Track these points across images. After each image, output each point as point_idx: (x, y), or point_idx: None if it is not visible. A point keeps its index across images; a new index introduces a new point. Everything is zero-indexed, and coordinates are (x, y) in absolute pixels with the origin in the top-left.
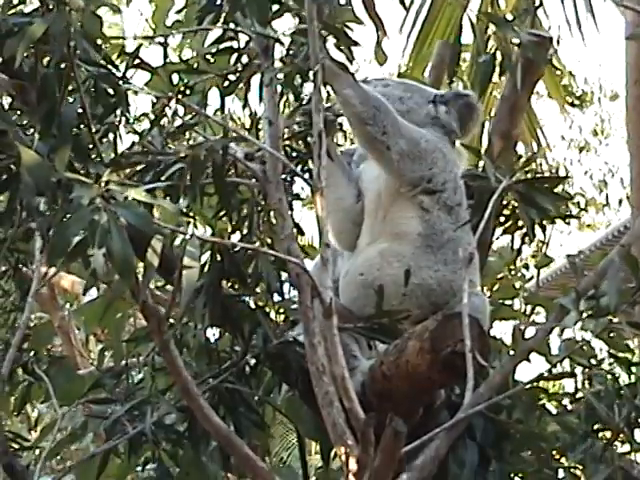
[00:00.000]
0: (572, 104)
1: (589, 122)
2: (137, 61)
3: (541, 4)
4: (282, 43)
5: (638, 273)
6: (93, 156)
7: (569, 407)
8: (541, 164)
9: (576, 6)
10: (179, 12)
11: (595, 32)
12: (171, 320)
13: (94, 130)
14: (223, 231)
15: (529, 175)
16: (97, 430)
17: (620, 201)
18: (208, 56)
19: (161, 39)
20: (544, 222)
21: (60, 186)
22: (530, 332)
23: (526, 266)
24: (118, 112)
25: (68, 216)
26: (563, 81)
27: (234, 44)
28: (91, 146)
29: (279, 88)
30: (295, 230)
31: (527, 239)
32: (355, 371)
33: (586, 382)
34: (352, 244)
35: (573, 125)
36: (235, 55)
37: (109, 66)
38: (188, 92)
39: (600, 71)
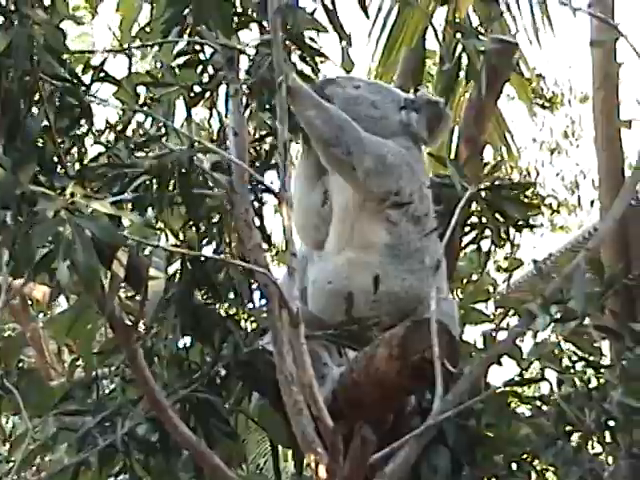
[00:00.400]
0: (542, 106)
1: (560, 124)
2: (102, 74)
3: (502, 13)
4: (247, 54)
5: (604, 277)
6: (58, 169)
7: (543, 409)
8: (512, 168)
9: (533, 12)
10: (145, 27)
11: (557, 35)
12: (141, 330)
13: (59, 143)
14: (193, 240)
15: (497, 181)
16: (69, 441)
17: (592, 202)
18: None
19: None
20: (510, 229)
21: (25, 199)
22: (501, 336)
23: (499, 268)
24: (84, 124)
25: (33, 228)
26: (533, 84)
27: (200, 55)
28: (56, 159)
29: (244, 99)
30: (264, 239)
31: (494, 246)
32: (326, 378)
33: (556, 385)
34: (317, 240)
35: (544, 127)
36: (201, 67)
37: (73, 81)
38: (154, 103)
39: (570, 73)
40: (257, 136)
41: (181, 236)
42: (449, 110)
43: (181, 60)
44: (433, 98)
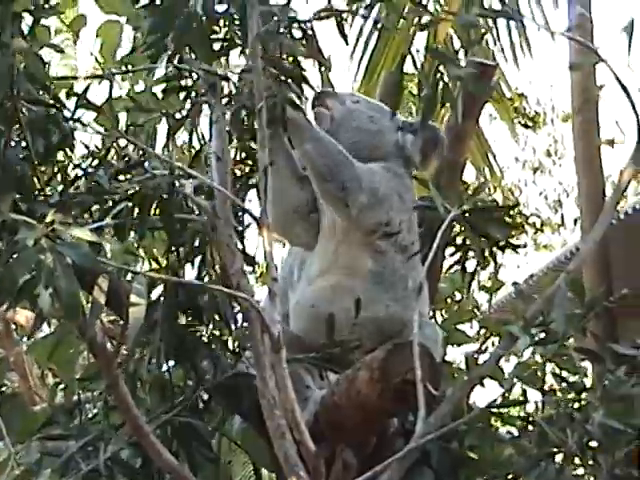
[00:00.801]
0: (525, 125)
1: (542, 143)
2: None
3: (482, 37)
4: (228, 80)
5: (584, 299)
6: (39, 196)
7: (527, 428)
8: (495, 188)
9: (510, 34)
10: (127, 56)
11: (537, 55)
12: (123, 355)
13: (40, 170)
14: (175, 265)
15: (480, 202)
16: (53, 466)
17: (575, 221)
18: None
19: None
20: (494, 250)
21: (5, 227)
22: (484, 357)
23: (482, 288)
24: (64, 151)
25: (14, 257)
26: (515, 103)
27: (184, 80)
28: (37, 186)
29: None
30: (247, 262)
31: (478, 268)
32: (308, 401)
33: (539, 405)
34: (302, 238)
35: (526, 146)
36: (184, 92)
37: (56, 105)
38: (136, 128)
39: (552, 92)
40: (238, 159)
41: (163, 261)
42: (444, 136)
43: (163, 85)
44: (431, 123)
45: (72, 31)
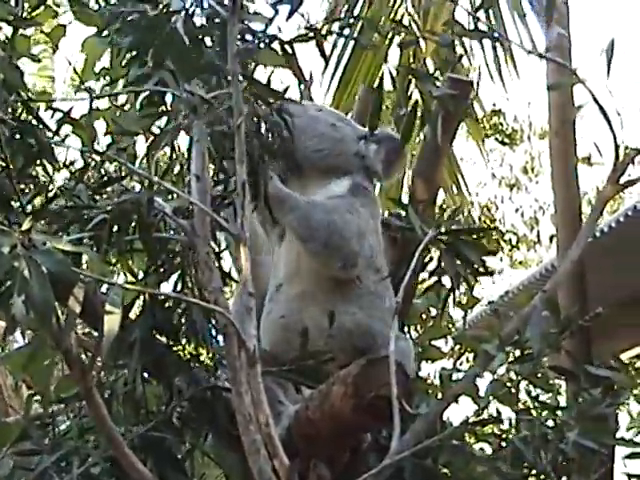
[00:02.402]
0: (502, 142)
1: (519, 160)
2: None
3: (461, 57)
4: (208, 101)
5: (559, 319)
6: (15, 206)
7: (501, 446)
8: (468, 206)
9: (497, 55)
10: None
11: (517, 74)
12: (98, 366)
13: (17, 181)
14: (153, 281)
15: (456, 224)
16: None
17: (551, 238)
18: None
19: (89, 88)
20: (469, 275)
21: None
22: (458, 374)
23: (457, 305)
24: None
25: None
26: (492, 120)
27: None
28: (13, 196)
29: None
30: (223, 279)
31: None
32: (281, 416)
33: (514, 424)
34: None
35: (503, 163)
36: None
37: (32, 122)
38: (114, 145)
39: (530, 109)
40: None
41: (140, 274)
42: (406, 147)
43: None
44: (393, 133)
45: (51, 41)
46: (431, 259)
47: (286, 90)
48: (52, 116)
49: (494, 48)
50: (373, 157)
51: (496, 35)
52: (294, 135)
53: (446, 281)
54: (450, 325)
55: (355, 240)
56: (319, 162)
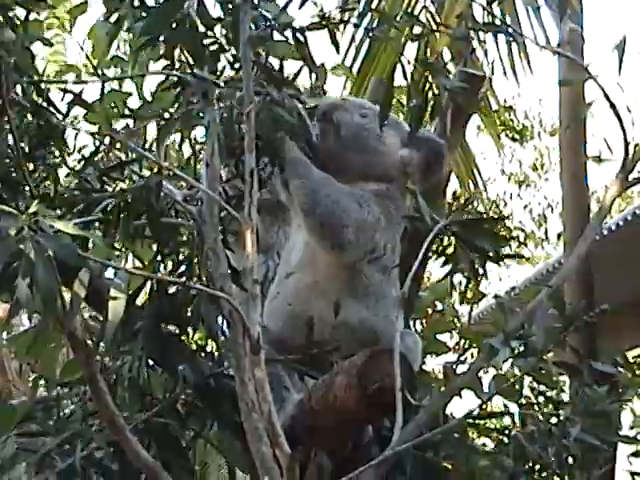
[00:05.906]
0: (512, 138)
1: (529, 156)
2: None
3: (474, 50)
4: (219, 86)
5: (564, 314)
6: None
7: (502, 441)
8: (481, 200)
9: (511, 49)
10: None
11: (529, 70)
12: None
13: (26, 164)
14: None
15: (467, 214)
16: (28, 461)
17: (559, 235)
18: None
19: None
20: (485, 263)
21: None
22: (462, 368)
23: (463, 300)
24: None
25: None
26: (503, 116)
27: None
28: (22, 179)
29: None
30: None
31: (472, 281)
32: (286, 403)
33: (517, 419)
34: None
35: (513, 159)
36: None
37: (43, 105)
38: (124, 131)
39: (540, 106)
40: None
41: (146, 259)
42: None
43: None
44: (435, 138)
45: (71, 17)
46: (444, 249)
47: (297, 75)
48: (62, 98)
49: (508, 43)
50: (413, 165)
51: (510, 30)
52: (341, 146)
53: (456, 276)
54: (455, 319)
55: (352, 229)
56: (360, 171)
